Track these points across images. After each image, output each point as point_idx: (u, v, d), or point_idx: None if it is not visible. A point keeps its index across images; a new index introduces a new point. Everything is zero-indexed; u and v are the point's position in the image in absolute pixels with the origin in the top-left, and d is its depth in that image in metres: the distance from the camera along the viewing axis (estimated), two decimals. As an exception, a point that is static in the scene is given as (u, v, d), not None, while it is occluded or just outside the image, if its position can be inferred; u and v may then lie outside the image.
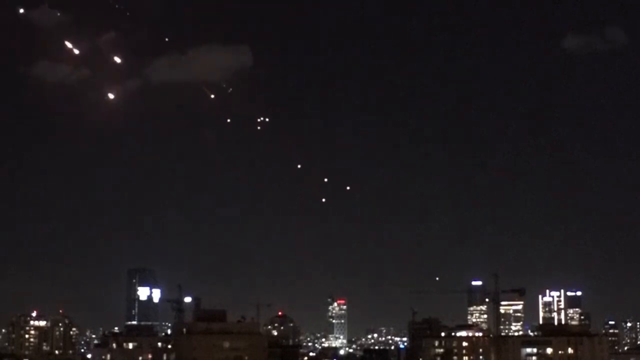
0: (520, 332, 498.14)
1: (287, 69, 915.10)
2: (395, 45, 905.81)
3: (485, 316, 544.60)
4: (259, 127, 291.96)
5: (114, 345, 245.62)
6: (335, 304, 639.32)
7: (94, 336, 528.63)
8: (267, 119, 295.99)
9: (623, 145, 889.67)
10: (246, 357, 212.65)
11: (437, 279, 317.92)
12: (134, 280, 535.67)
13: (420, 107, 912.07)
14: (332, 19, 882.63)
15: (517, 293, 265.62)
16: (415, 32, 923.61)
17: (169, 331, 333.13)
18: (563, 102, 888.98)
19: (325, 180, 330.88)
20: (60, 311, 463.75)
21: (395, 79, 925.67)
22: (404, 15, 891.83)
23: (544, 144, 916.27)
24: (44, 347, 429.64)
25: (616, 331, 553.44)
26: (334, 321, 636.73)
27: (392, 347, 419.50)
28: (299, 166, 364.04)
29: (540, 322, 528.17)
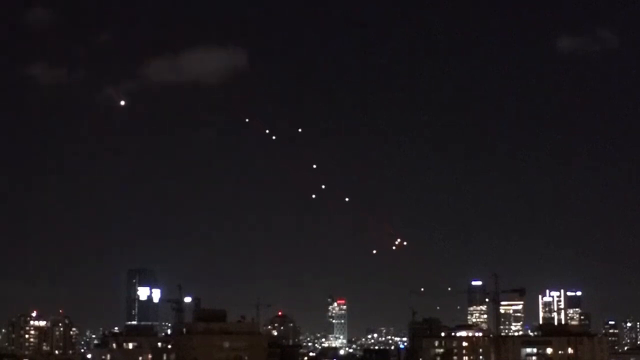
0: (520, 332, 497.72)
1: (283, 69, 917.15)
2: (392, 46, 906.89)
3: (485, 316, 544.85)
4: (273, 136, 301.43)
5: (114, 345, 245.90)
6: (335, 304, 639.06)
7: (94, 336, 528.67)
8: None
9: (622, 145, 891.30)
10: (246, 357, 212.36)
11: (422, 289, 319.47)
12: (134, 280, 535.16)
13: (419, 107, 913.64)
14: (330, 19, 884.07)
15: (517, 293, 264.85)
16: (412, 33, 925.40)
17: (169, 331, 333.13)
18: (562, 103, 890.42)
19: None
20: (60, 311, 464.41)
21: (392, 79, 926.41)
22: (401, 16, 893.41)
23: (543, 144, 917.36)
24: (44, 347, 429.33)
25: (616, 331, 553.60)
26: (334, 321, 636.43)
27: (392, 347, 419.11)
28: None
29: (540, 322, 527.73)
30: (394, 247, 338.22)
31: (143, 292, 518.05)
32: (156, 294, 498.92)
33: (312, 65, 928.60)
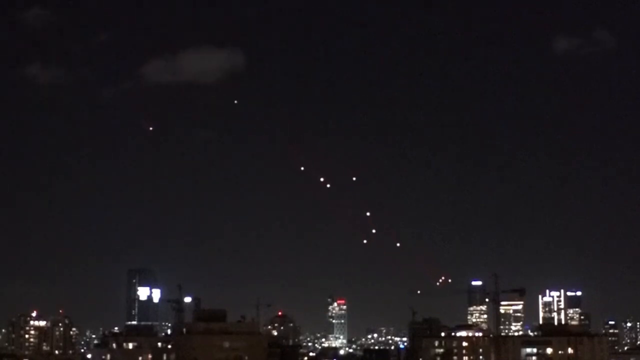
0: (520, 332, 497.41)
1: (280, 70, 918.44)
2: (392, 46, 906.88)
3: (485, 316, 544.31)
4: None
5: (114, 345, 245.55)
6: (335, 304, 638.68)
7: (94, 336, 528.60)
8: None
9: (622, 145, 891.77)
10: (246, 357, 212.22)
11: (418, 292, 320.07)
12: (134, 280, 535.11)
13: (419, 107, 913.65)
14: (330, 19, 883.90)
15: (517, 293, 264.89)
16: (412, 33, 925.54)
17: (169, 331, 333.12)
18: (562, 103, 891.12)
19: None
20: (60, 311, 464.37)
21: (392, 79, 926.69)
22: (401, 16, 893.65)
23: (543, 144, 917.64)
24: (44, 347, 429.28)
25: (616, 331, 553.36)
26: (334, 321, 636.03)
27: (392, 347, 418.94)
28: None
29: (540, 322, 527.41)
30: (437, 284, 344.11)
31: (143, 292, 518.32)
32: (156, 294, 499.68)
33: (312, 65, 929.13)
